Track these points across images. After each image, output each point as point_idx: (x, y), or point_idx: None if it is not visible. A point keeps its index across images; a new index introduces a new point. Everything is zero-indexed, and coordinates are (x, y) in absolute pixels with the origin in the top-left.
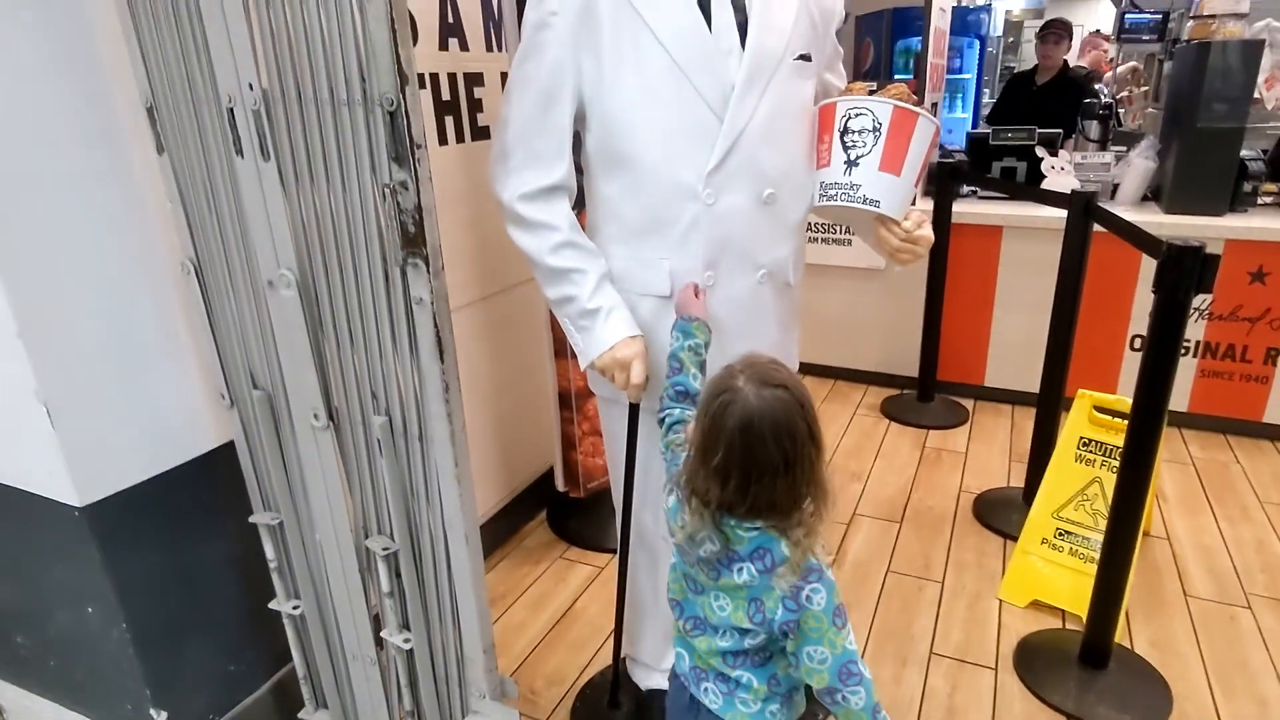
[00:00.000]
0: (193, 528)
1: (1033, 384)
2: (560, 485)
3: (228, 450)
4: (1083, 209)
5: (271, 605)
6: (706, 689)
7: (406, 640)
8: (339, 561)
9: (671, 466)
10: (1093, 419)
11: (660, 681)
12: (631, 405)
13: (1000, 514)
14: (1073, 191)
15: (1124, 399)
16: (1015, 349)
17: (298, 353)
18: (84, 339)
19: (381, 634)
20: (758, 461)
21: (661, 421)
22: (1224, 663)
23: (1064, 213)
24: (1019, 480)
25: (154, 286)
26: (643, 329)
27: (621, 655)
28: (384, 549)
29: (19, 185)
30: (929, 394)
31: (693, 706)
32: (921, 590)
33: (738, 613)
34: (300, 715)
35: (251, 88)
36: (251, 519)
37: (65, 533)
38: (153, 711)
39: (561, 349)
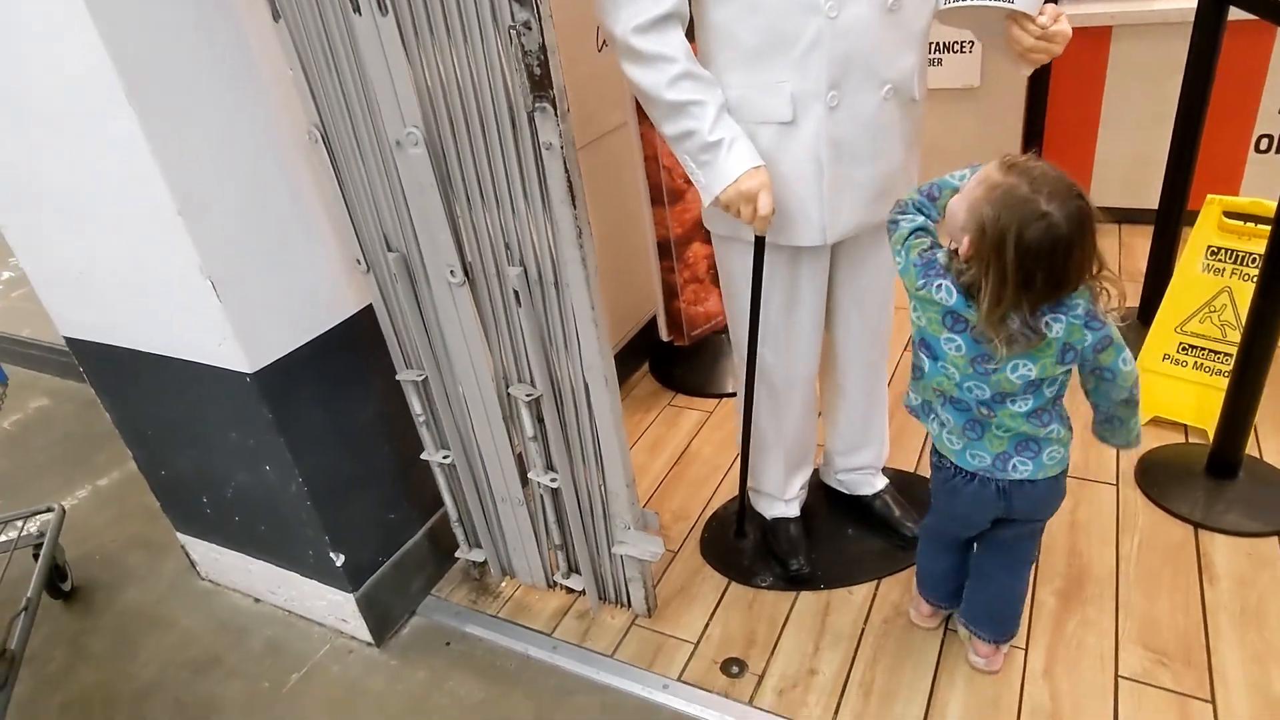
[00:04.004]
0: (348, 388)
1: (1142, 200)
2: (664, 334)
3: (370, 313)
4: None
5: (422, 456)
6: (1015, 465)
7: (553, 480)
8: (483, 411)
9: (927, 269)
10: (1222, 226)
11: (783, 510)
12: (757, 239)
13: None
14: None
15: (1260, 200)
16: (1123, 165)
17: (430, 211)
18: (229, 214)
19: (528, 475)
20: (1065, 267)
21: (896, 223)
22: None
23: (1189, 2)
24: (1133, 300)
25: (281, 157)
26: (763, 158)
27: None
28: (527, 395)
29: (147, 72)
30: None
31: (1000, 495)
32: None
33: (1048, 363)
34: (456, 554)
35: None
36: (398, 377)
37: (240, 398)
38: (332, 554)
39: (658, 196)
